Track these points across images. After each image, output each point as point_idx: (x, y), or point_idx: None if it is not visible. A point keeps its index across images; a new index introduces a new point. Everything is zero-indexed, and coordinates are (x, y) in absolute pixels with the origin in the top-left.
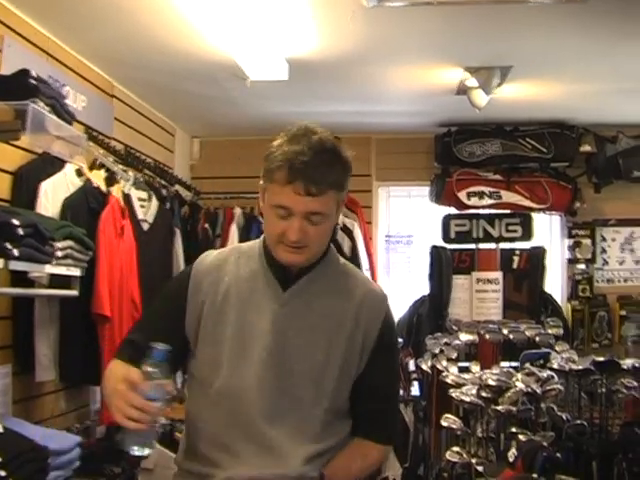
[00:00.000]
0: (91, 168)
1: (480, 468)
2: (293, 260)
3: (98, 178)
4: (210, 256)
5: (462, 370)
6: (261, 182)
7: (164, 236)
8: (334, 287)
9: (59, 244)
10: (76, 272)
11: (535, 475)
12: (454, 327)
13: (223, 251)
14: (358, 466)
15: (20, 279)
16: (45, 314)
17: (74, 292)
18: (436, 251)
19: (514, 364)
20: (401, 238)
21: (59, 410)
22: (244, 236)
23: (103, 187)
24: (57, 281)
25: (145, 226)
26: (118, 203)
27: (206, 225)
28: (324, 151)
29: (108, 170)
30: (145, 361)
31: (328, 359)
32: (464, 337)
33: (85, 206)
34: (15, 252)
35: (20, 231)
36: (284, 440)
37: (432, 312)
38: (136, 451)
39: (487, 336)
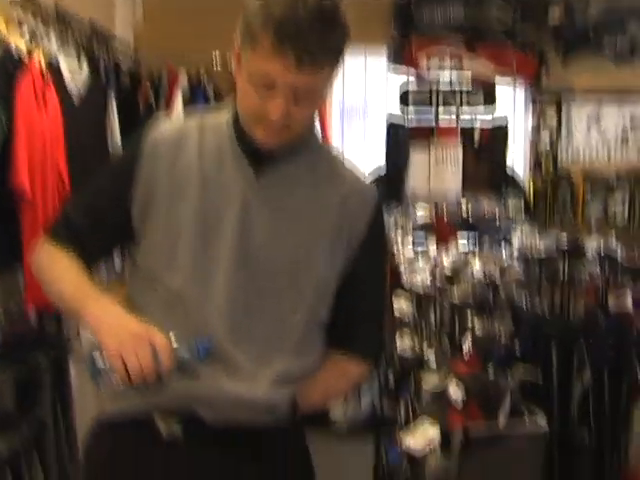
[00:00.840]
0: (9, 28)
1: (432, 359)
2: (271, 142)
3: (17, 40)
4: (167, 123)
5: (417, 246)
6: (236, 45)
7: (97, 107)
8: (317, 173)
9: None
10: None
11: (490, 370)
12: (411, 203)
13: (183, 118)
14: (334, 387)
15: None
16: None
17: None
18: (393, 124)
19: (472, 242)
20: (356, 110)
21: None
22: (189, 106)
23: (23, 50)
24: None
25: (75, 95)
26: (40, 68)
27: (149, 92)
28: (322, 12)
29: (31, 31)
30: (184, 345)
31: (309, 255)
32: (420, 213)
33: (1, 71)
34: None
35: None
36: (251, 359)
37: (388, 188)
38: (90, 376)
39: (445, 212)
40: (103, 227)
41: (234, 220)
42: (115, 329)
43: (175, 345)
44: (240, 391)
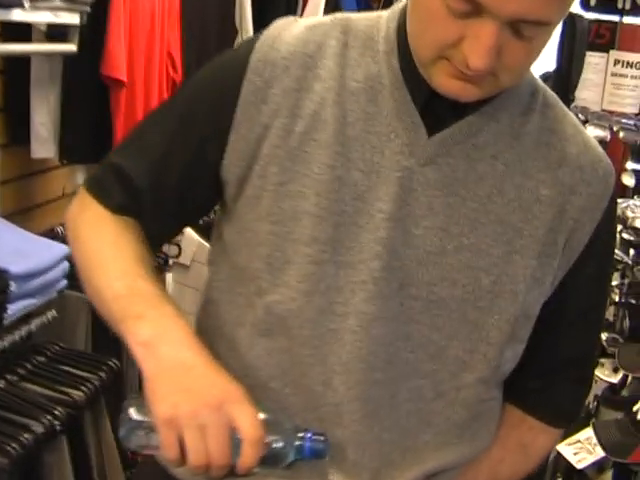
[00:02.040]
0: None
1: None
2: (462, 94)
3: None
4: (293, 31)
5: None
6: None
7: None
8: (526, 140)
9: None
10: (72, 19)
11: None
12: (580, 116)
13: (318, 25)
14: (509, 470)
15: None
16: (44, 72)
17: (71, 47)
18: (569, 20)
19: None
20: None
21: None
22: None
23: None
24: (58, 32)
25: None
26: None
27: None
28: None
29: None
30: (285, 438)
31: (503, 276)
32: (592, 131)
33: None
34: None
35: None
36: (384, 450)
37: (556, 93)
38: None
39: (620, 134)
40: (177, 193)
41: (387, 208)
42: (177, 384)
43: (270, 437)
44: None
